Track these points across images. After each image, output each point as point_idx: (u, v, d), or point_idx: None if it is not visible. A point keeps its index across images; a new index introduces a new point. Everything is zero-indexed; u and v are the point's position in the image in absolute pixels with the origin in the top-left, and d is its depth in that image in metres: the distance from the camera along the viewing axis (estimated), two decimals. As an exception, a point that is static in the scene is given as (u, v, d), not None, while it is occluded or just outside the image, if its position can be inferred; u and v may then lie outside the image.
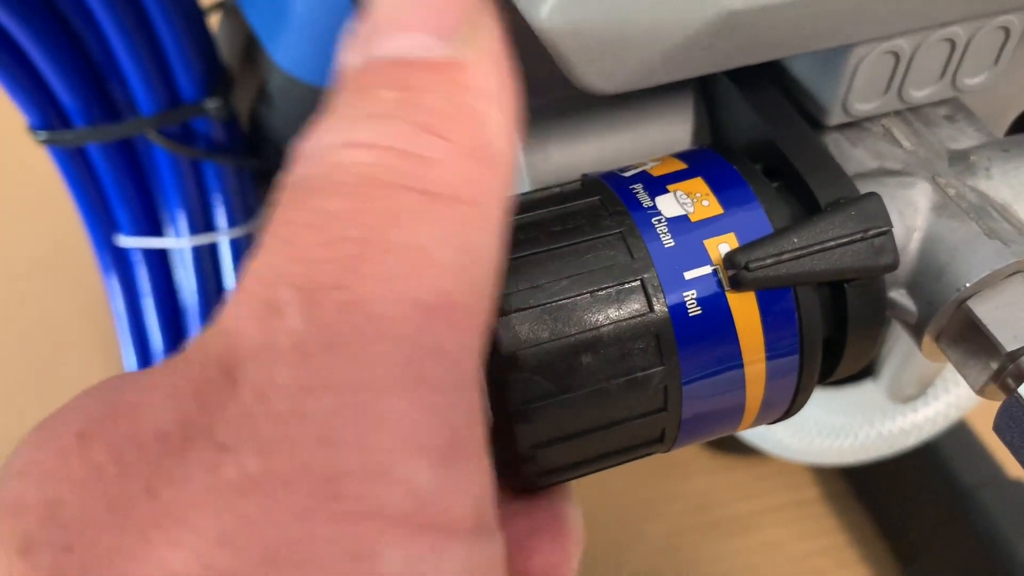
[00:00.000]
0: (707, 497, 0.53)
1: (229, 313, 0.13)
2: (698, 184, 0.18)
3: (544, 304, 0.16)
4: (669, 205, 0.17)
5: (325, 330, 0.12)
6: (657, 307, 0.16)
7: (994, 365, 0.19)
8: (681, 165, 0.18)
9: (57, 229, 0.63)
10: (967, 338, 0.19)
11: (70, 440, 0.12)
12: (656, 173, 0.18)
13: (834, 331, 0.18)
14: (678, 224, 0.17)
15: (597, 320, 0.16)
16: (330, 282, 0.12)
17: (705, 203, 0.17)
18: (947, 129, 0.22)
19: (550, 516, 0.18)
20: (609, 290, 0.16)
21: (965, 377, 0.19)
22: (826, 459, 0.37)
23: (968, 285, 0.19)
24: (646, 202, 0.17)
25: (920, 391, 0.28)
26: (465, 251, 0.13)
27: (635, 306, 0.16)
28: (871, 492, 0.52)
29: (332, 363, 0.12)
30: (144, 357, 0.42)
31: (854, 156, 0.21)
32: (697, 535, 0.52)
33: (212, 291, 0.41)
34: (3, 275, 0.62)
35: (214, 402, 0.12)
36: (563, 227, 0.17)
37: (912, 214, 0.20)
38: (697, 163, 0.19)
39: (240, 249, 0.41)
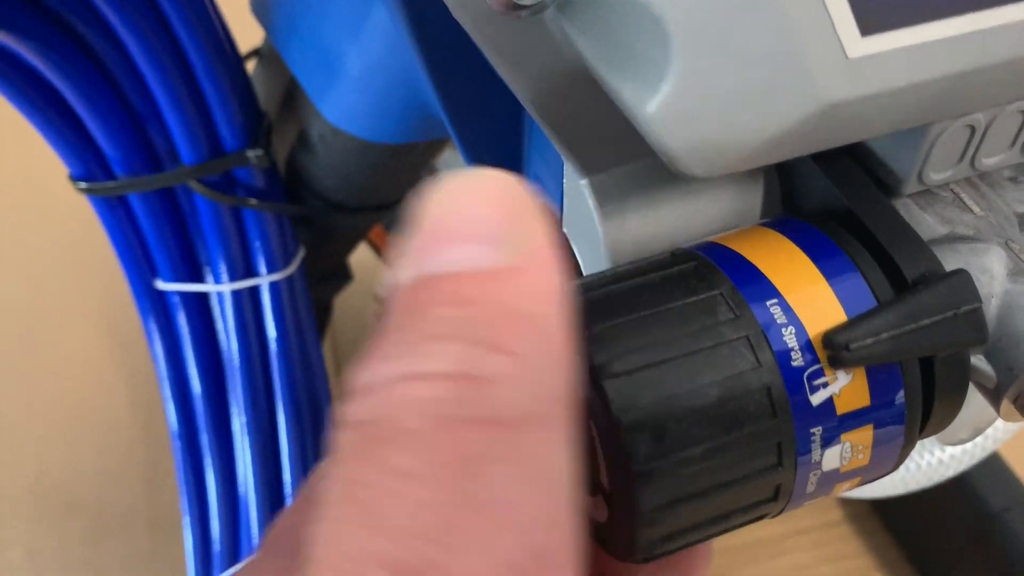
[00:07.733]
0: (735, 522, 0.54)
1: None
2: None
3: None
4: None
5: None
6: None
7: (1075, 430, 0.19)
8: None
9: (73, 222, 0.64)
10: (1046, 402, 0.20)
11: None
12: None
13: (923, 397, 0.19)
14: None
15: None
16: (422, 561, 0.12)
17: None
18: (1012, 191, 0.22)
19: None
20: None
21: (1044, 440, 0.20)
22: (866, 493, 0.37)
23: (1048, 352, 0.19)
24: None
25: (972, 437, 0.29)
26: (547, 489, 0.13)
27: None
28: (897, 515, 0.53)
29: None
30: (183, 400, 0.43)
31: (924, 221, 0.22)
32: (727, 559, 0.53)
33: (252, 334, 0.42)
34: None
35: None
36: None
37: (988, 281, 0.20)
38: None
39: (279, 292, 0.41)
